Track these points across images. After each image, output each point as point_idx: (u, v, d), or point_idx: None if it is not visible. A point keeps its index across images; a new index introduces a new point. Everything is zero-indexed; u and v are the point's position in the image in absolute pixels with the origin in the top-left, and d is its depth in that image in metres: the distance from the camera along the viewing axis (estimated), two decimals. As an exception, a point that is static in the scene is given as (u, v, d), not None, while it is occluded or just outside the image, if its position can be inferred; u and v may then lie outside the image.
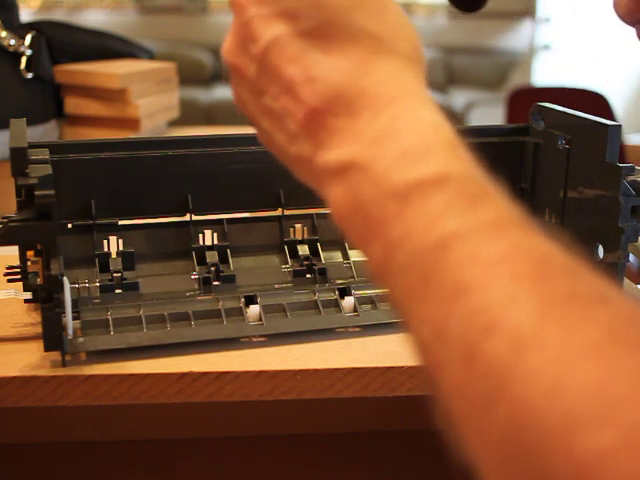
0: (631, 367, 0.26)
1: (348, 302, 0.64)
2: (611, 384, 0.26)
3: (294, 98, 0.38)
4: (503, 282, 0.30)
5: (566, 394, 0.26)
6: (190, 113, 2.92)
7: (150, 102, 1.16)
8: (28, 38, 1.07)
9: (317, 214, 0.70)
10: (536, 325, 0.28)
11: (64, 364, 0.55)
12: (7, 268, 0.62)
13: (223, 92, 4.23)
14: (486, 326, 0.29)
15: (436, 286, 0.32)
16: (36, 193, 0.53)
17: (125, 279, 0.64)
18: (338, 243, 0.70)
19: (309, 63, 0.37)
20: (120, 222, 0.67)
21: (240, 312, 0.62)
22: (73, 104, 1.13)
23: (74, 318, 0.58)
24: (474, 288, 0.30)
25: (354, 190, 0.35)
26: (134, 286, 0.64)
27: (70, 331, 0.57)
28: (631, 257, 0.66)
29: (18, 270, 0.61)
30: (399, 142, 0.35)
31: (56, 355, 0.55)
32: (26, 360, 0.56)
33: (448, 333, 0.31)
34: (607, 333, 0.28)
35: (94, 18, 4.40)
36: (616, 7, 0.53)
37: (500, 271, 0.31)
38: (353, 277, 0.68)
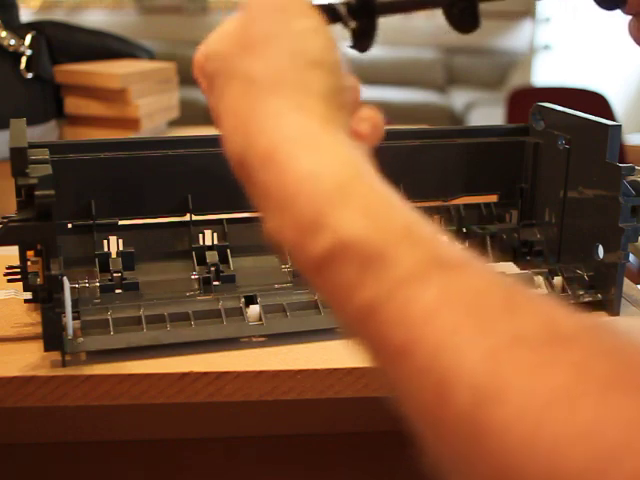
0: (610, 412, 0.24)
1: (348, 302, 0.64)
2: (595, 432, 0.24)
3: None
4: (443, 334, 0.28)
5: (545, 447, 0.25)
6: (190, 113, 2.92)
7: (150, 102, 1.16)
8: (28, 38, 1.07)
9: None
10: (490, 372, 0.27)
11: (64, 364, 0.55)
12: (7, 268, 0.62)
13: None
14: (439, 382, 0.28)
15: (380, 352, 0.31)
16: (36, 193, 0.53)
17: (125, 279, 0.64)
18: (338, 243, 0.70)
19: (223, 130, 0.37)
20: (120, 222, 0.67)
21: (240, 312, 0.62)
22: (73, 104, 1.13)
23: (74, 318, 0.58)
24: (415, 346, 0.29)
25: (292, 256, 0.34)
26: (134, 286, 0.64)
27: (70, 331, 0.57)
28: (631, 257, 0.66)
29: (18, 270, 0.61)
30: (291, 215, 0.33)
31: (56, 355, 0.55)
32: (26, 360, 0.56)
33: (406, 395, 0.30)
34: (571, 375, 0.26)
35: (94, 18, 4.40)
36: (630, 32, 0.53)
37: (436, 323, 0.29)
38: (353, 277, 0.68)
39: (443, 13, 0.46)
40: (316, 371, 0.57)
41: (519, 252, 0.74)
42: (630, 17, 0.54)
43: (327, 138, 0.34)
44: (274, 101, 0.35)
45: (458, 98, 4.24)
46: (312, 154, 0.33)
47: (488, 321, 0.28)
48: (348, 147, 0.34)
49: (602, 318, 0.66)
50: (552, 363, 0.26)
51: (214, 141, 0.68)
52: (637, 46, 0.54)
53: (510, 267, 0.70)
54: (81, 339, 0.57)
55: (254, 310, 0.62)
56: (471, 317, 0.28)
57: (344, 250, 0.31)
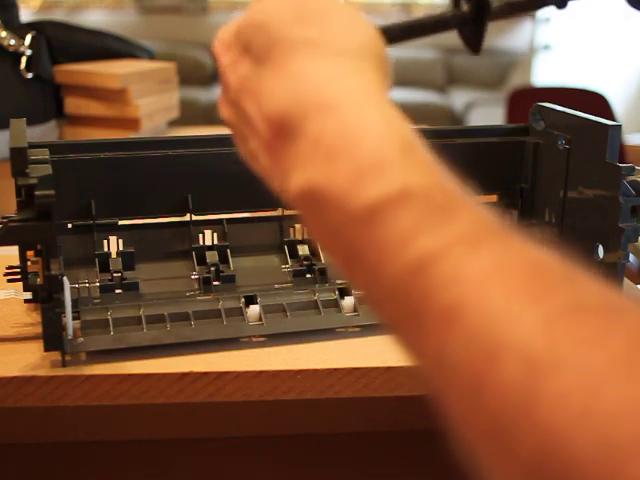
0: None
1: (348, 302, 0.64)
2: None
3: (256, 136, 0.38)
4: (498, 299, 0.27)
5: (600, 419, 0.24)
6: (190, 113, 2.92)
7: (150, 102, 1.16)
8: (28, 38, 1.07)
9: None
10: (547, 343, 0.26)
11: (64, 364, 0.55)
12: (7, 268, 0.62)
13: (223, 92, 4.23)
14: (489, 350, 0.27)
15: (423, 313, 0.29)
16: (36, 193, 0.53)
17: (125, 279, 0.64)
18: (338, 243, 0.70)
19: (259, 94, 0.37)
20: (120, 222, 0.67)
21: (240, 312, 0.62)
22: (73, 104, 1.13)
23: (74, 318, 0.58)
24: (466, 310, 0.28)
25: (321, 218, 0.33)
26: (134, 286, 0.64)
27: (70, 331, 0.57)
28: (631, 257, 0.66)
29: (18, 270, 0.61)
30: (350, 158, 0.32)
31: (56, 355, 0.55)
32: (26, 360, 0.56)
33: (447, 362, 0.28)
34: (627, 346, 0.25)
35: (94, 18, 4.40)
36: None
37: (491, 287, 0.28)
38: (353, 277, 0.68)
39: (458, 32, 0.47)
40: (316, 371, 0.57)
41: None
42: None
43: (386, 99, 0.35)
44: (335, 63, 0.36)
45: (458, 98, 4.24)
46: (378, 110, 0.34)
47: (545, 289, 0.27)
48: (399, 111, 0.35)
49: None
50: (608, 333, 0.26)
51: (214, 141, 0.68)
52: None
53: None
54: (81, 339, 0.57)
55: (254, 310, 0.62)
56: (528, 284, 0.28)
57: (406, 196, 0.31)
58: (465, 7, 0.43)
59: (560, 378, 0.25)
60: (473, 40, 0.44)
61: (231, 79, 0.40)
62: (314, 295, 0.64)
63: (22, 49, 1.06)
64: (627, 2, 0.51)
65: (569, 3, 0.49)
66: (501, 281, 0.28)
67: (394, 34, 0.43)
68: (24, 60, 1.07)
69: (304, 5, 0.38)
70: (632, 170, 0.64)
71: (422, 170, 0.32)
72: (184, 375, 0.56)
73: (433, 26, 0.44)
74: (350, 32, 0.38)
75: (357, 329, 0.62)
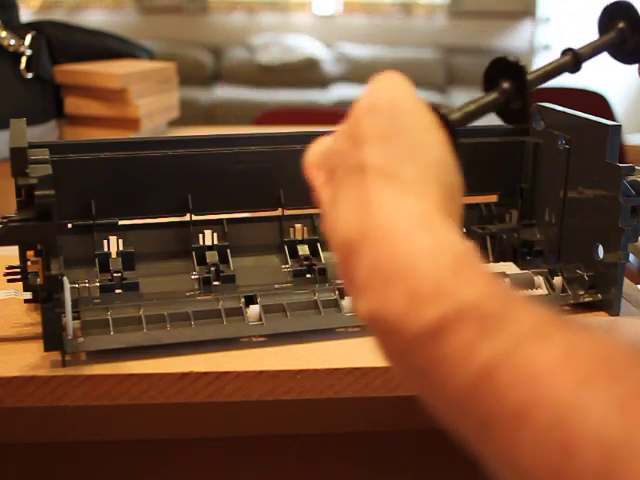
0: None
1: (348, 302, 0.64)
2: None
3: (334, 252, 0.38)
4: (567, 390, 0.27)
5: None
6: (190, 113, 2.92)
7: (150, 102, 1.16)
8: (28, 38, 1.07)
9: (317, 214, 0.70)
10: (622, 427, 0.26)
11: (64, 364, 0.55)
12: (7, 268, 0.62)
13: (223, 92, 4.23)
14: (564, 444, 0.26)
15: (494, 418, 0.29)
16: (36, 193, 0.53)
17: (125, 279, 0.64)
18: (338, 243, 0.70)
19: (334, 219, 0.38)
20: (120, 222, 0.67)
21: (240, 312, 0.62)
22: (73, 104, 1.13)
23: (74, 318, 0.58)
24: (536, 407, 0.28)
25: (387, 341, 0.35)
26: (134, 286, 0.64)
27: (70, 331, 0.57)
28: (631, 257, 0.66)
29: (18, 270, 0.61)
30: (404, 284, 0.33)
31: (56, 355, 0.55)
32: (26, 360, 0.56)
33: (522, 462, 0.28)
34: None
35: (94, 18, 4.40)
36: None
37: (560, 379, 0.28)
38: (353, 277, 0.68)
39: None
40: (316, 371, 0.57)
41: (519, 252, 0.74)
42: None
43: (440, 220, 0.36)
44: (393, 187, 0.36)
45: (458, 98, 4.23)
46: (429, 232, 0.35)
47: (615, 375, 0.28)
48: (456, 229, 0.36)
49: None
50: None
51: (214, 141, 0.68)
52: None
53: (510, 267, 0.70)
54: (81, 339, 0.57)
55: (254, 310, 0.62)
56: (597, 371, 0.28)
57: (463, 312, 0.31)
58: (505, 85, 0.44)
59: (637, 461, 0.25)
60: (520, 113, 0.44)
61: (321, 200, 0.41)
62: (314, 295, 0.64)
63: (22, 49, 1.06)
64: (615, 58, 0.52)
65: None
66: (569, 371, 0.28)
67: (458, 124, 0.43)
68: (24, 60, 1.07)
69: (371, 127, 0.39)
70: (632, 170, 0.64)
71: (475, 283, 0.33)
72: (184, 375, 0.56)
73: (491, 109, 0.44)
74: (421, 154, 0.38)
75: (357, 329, 0.62)
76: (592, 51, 0.50)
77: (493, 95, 0.44)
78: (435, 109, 0.40)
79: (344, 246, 0.37)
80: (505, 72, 0.44)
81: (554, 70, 0.48)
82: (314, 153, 0.44)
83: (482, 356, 0.30)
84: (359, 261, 0.36)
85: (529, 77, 0.45)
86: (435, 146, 0.39)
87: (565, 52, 0.50)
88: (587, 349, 0.29)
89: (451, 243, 0.34)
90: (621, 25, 0.51)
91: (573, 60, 0.50)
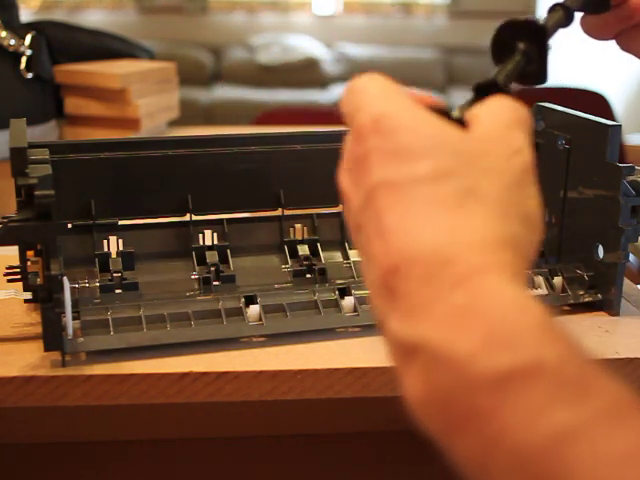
0: None
1: (348, 302, 0.64)
2: None
3: (383, 247, 0.34)
4: None
5: None
6: (190, 113, 2.93)
7: (150, 102, 1.16)
8: (28, 38, 1.07)
9: (317, 214, 0.70)
10: None
11: (64, 364, 0.55)
12: (7, 268, 0.62)
13: (223, 92, 4.23)
14: None
15: None
16: (36, 193, 0.53)
17: (125, 279, 0.64)
18: (338, 243, 0.70)
19: (407, 217, 0.34)
20: (120, 222, 0.67)
21: (240, 312, 0.62)
22: (73, 104, 1.13)
23: (74, 318, 0.58)
24: None
25: (430, 377, 0.31)
26: (134, 286, 0.64)
27: (70, 331, 0.56)
28: (631, 257, 0.66)
29: (18, 270, 0.61)
30: (482, 323, 0.31)
31: (56, 355, 0.55)
32: (26, 360, 0.56)
33: None
34: None
35: (94, 18, 4.40)
36: (582, 27, 0.54)
37: (635, 469, 0.26)
38: (353, 277, 0.68)
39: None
40: (316, 371, 0.57)
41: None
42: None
43: (516, 286, 0.33)
44: (483, 230, 0.33)
45: (458, 98, 4.24)
46: (510, 279, 0.32)
47: None
48: (531, 296, 0.33)
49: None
50: None
51: (214, 141, 0.68)
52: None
53: (510, 267, 0.70)
54: (81, 339, 0.57)
55: (254, 310, 0.62)
56: None
57: (540, 369, 0.29)
58: (522, 46, 0.43)
59: None
60: (539, 74, 0.43)
61: (375, 169, 0.36)
62: (314, 295, 0.64)
63: (22, 49, 1.06)
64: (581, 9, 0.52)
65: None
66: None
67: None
68: (24, 60, 1.06)
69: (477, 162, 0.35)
70: (632, 170, 0.64)
71: (557, 344, 0.31)
72: (184, 375, 0.56)
73: (514, 75, 0.44)
74: (515, 201, 0.35)
75: (357, 329, 0.62)
76: (578, 3, 0.50)
77: (516, 58, 0.43)
78: (443, 112, 0.39)
79: (413, 257, 0.33)
80: (520, 34, 0.43)
81: (552, 29, 0.48)
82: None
83: (555, 422, 0.28)
84: (411, 285, 0.32)
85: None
86: (531, 198, 0.36)
87: (554, 7, 0.50)
88: None
89: (535, 304, 0.32)
90: None
91: (565, 14, 0.49)
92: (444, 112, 0.39)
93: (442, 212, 0.34)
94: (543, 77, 0.43)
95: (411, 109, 0.37)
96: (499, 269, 0.32)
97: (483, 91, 0.41)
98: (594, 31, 0.58)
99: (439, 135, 0.36)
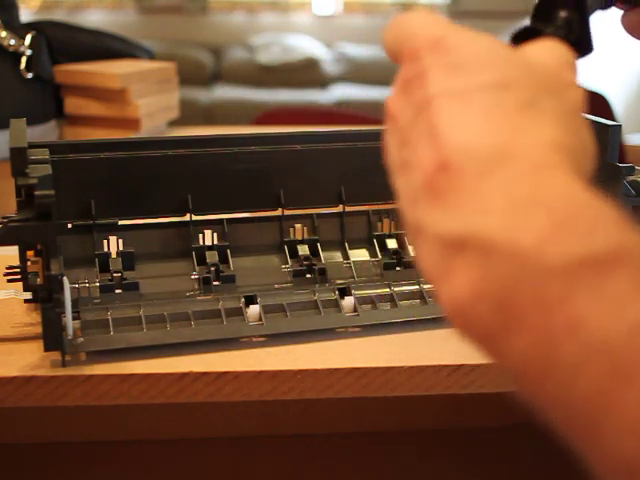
0: None
1: (348, 302, 0.64)
2: None
3: (433, 147, 0.32)
4: None
5: None
6: (190, 113, 2.93)
7: (150, 102, 1.16)
8: (28, 38, 1.07)
9: (317, 214, 0.70)
10: None
11: (64, 364, 0.55)
12: (7, 268, 0.62)
13: (223, 92, 4.23)
14: None
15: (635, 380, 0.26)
16: (36, 193, 0.53)
17: (125, 279, 0.64)
18: (338, 243, 0.70)
19: (465, 119, 0.32)
20: (120, 222, 0.67)
21: (240, 312, 0.62)
22: (73, 104, 1.13)
23: (74, 318, 0.58)
24: None
25: (485, 271, 0.29)
26: (134, 286, 0.64)
27: (70, 331, 0.56)
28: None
29: (18, 270, 0.61)
30: (550, 211, 0.28)
31: (56, 355, 0.55)
32: (26, 360, 0.56)
33: None
34: None
35: (94, 18, 4.40)
36: (623, 25, 0.53)
37: None
38: (353, 277, 0.68)
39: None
40: (316, 371, 0.57)
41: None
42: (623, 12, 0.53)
43: (585, 184, 0.31)
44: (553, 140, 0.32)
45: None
46: (578, 180, 0.31)
47: None
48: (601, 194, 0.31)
49: None
50: None
51: (214, 141, 0.68)
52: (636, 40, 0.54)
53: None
54: (81, 339, 0.57)
55: (254, 310, 0.62)
56: None
57: (622, 257, 0.28)
58: (562, 14, 0.42)
59: None
60: (581, 41, 0.42)
61: (433, 83, 0.34)
62: (314, 295, 0.64)
63: (22, 49, 1.06)
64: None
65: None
66: None
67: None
68: (24, 60, 1.07)
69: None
70: (632, 170, 0.64)
71: (636, 234, 0.28)
72: (184, 375, 0.56)
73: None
74: (576, 123, 0.35)
75: (357, 329, 0.62)
76: None
77: (557, 24, 0.42)
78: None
79: (468, 151, 0.31)
80: (561, 3, 0.42)
81: (592, 5, 0.46)
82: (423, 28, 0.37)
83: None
84: (484, 176, 0.30)
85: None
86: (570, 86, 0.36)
87: None
88: None
89: (607, 202, 0.30)
90: None
91: None
92: None
93: (504, 115, 0.32)
94: (587, 47, 0.42)
95: (468, 31, 0.36)
96: (565, 168, 0.30)
97: (523, 37, 0.40)
98: (636, 30, 0.56)
99: (501, 50, 0.35)
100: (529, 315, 0.28)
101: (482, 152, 0.31)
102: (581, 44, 0.42)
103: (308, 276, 0.68)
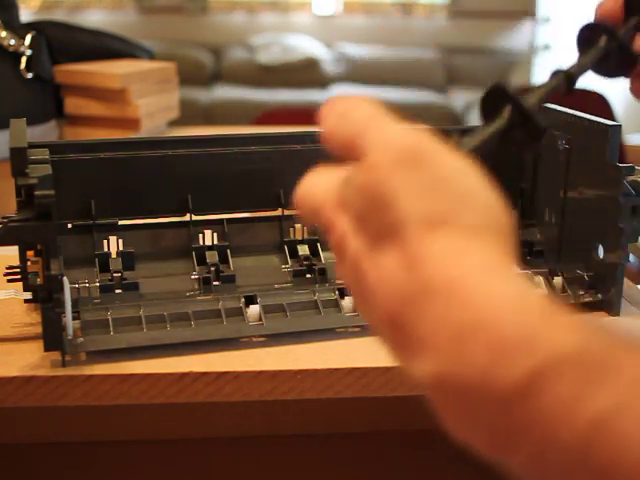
0: None
1: (348, 302, 0.64)
2: None
3: (375, 313, 0.34)
4: None
5: None
6: (190, 113, 2.92)
7: (150, 102, 1.16)
8: (28, 38, 1.07)
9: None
10: None
11: (64, 364, 0.55)
12: (7, 268, 0.62)
13: (223, 92, 4.23)
14: None
15: (616, 470, 0.27)
16: (36, 193, 0.53)
17: (125, 279, 0.64)
18: (338, 243, 0.70)
19: (377, 277, 0.33)
20: (120, 222, 0.67)
21: (240, 312, 0.62)
22: (73, 104, 1.13)
23: (74, 318, 0.58)
24: None
25: (459, 405, 0.31)
26: (134, 286, 0.64)
27: (70, 331, 0.57)
28: (631, 257, 0.66)
29: (18, 270, 0.61)
30: (487, 334, 0.30)
31: (56, 355, 0.55)
32: (26, 360, 0.56)
33: None
34: None
35: (94, 18, 4.40)
36: (632, 91, 0.53)
37: None
38: (353, 277, 0.68)
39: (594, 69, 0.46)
40: (316, 371, 0.57)
41: (519, 252, 0.73)
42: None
43: (509, 267, 0.33)
44: (450, 235, 0.33)
45: (458, 98, 4.24)
46: (506, 279, 0.32)
47: None
48: (526, 286, 0.32)
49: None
50: None
51: (214, 141, 0.68)
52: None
53: (510, 267, 0.70)
54: (81, 339, 0.57)
55: (254, 310, 0.62)
56: None
57: (560, 363, 0.29)
58: (508, 114, 0.42)
59: None
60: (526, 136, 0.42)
61: (345, 249, 0.35)
62: (314, 295, 0.64)
63: (22, 49, 1.06)
64: (597, 73, 0.51)
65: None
66: None
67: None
68: (24, 60, 1.07)
69: (426, 176, 0.33)
70: (632, 170, 0.64)
71: (570, 330, 0.30)
72: (184, 375, 0.56)
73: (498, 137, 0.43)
74: (467, 201, 0.34)
75: (357, 329, 0.62)
76: (582, 69, 0.50)
77: (500, 122, 0.42)
78: (446, 135, 0.37)
79: (393, 306, 0.33)
80: (503, 102, 0.43)
81: (548, 94, 0.47)
82: (327, 191, 0.36)
83: (593, 406, 0.28)
84: (420, 318, 0.32)
85: (525, 103, 0.43)
86: (484, 188, 0.34)
87: (556, 73, 0.49)
88: None
89: (531, 290, 0.31)
90: (603, 41, 0.51)
91: (566, 81, 0.49)
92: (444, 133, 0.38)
93: (394, 252, 0.33)
94: (534, 139, 0.43)
95: (431, 140, 0.35)
96: (482, 270, 0.32)
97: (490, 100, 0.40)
98: None
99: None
100: (512, 440, 0.30)
101: (409, 296, 0.32)
102: (528, 139, 0.43)
103: (308, 276, 0.68)
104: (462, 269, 0.32)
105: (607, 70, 0.51)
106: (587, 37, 0.51)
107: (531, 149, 0.43)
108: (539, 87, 0.46)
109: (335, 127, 0.36)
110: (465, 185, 0.34)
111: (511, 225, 0.35)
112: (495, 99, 0.42)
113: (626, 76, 0.51)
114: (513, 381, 0.29)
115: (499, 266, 0.32)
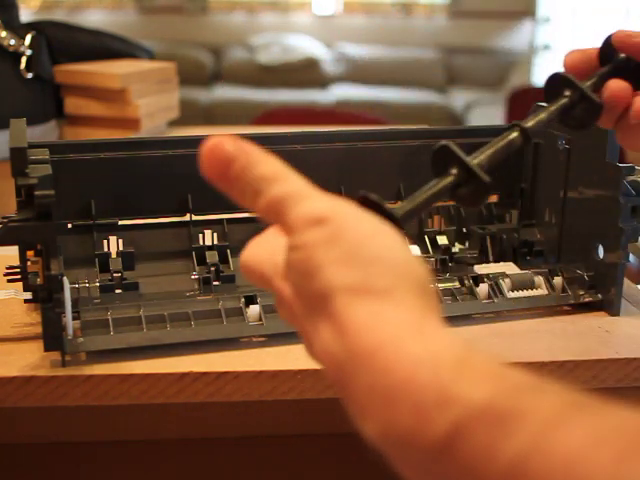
0: None
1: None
2: None
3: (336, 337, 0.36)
4: (606, 469, 0.27)
5: None
6: (190, 113, 2.92)
7: (150, 102, 1.16)
8: (28, 38, 1.07)
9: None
10: None
11: (64, 364, 0.55)
12: (7, 268, 0.62)
13: (223, 92, 4.23)
14: None
15: None
16: (36, 193, 0.53)
17: (125, 279, 0.64)
18: (338, 243, 0.70)
19: (312, 344, 0.37)
20: (120, 222, 0.67)
21: (240, 312, 0.62)
22: (73, 104, 1.13)
23: (74, 318, 0.58)
24: None
25: (402, 457, 0.34)
26: (134, 286, 0.64)
27: (70, 331, 0.57)
28: (631, 257, 0.66)
29: (18, 270, 0.61)
30: (406, 398, 0.33)
31: (56, 355, 0.55)
32: (26, 360, 0.56)
33: None
34: None
35: (94, 18, 4.40)
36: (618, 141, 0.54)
37: (596, 458, 0.28)
38: (353, 277, 0.68)
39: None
40: (316, 371, 0.57)
41: (519, 252, 0.74)
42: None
43: (427, 322, 0.35)
44: (368, 302, 0.35)
45: (458, 98, 4.24)
46: (419, 339, 0.34)
47: None
48: (448, 329, 0.35)
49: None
50: None
51: (214, 141, 0.68)
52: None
53: (510, 267, 0.70)
54: (81, 339, 0.57)
55: (254, 310, 0.62)
56: (631, 446, 0.27)
57: (475, 417, 0.31)
58: (454, 171, 0.43)
59: None
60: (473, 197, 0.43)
61: (294, 315, 0.40)
62: (314, 295, 0.64)
63: (22, 49, 1.06)
64: (563, 124, 0.52)
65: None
66: (604, 450, 0.28)
67: (403, 220, 0.42)
68: (24, 60, 1.07)
69: (343, 246, 0.36)
70: (632, 170, 0.64)
71: (481, 382, 0.32)
72: (184, 375, 0.56)
73: (442, 195, 0.43)
74: (383, 260, 0.36)
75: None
76: (538, 123, 0.50)
77: (446, 180, 0.43)
78: (374, 204, 0.39)
79: (334, 373, 0.36)
80: (451, 160, 0.43)
81: (503, 149, 0.48)
82: (273, 265, 0.42)
83: (508, 452, 0.30)
84: (354, 385, 0.35)
85: (475, 161, 0.44)
86: (394, 248, 0.36)
87: (512, 127, 0.49)
88: (614, 425, 0.29)
89: (446, 345, 0.33)
90: (567, 94, 0.51)
91: (522, 136, 0.49)
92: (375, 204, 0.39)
93: (322, 323, 0.36)
94: (479, 196, 0.43)
95: (344, 208, 0.37)
96: (398, 335, 0.34)
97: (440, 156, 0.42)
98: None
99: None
100: None
101: (339, 365, 0.36)
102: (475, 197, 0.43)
103: (308, 276, 0.68)
104: (380, 335, 0.34)
105: (574, 121, 0.52)
106: (553, 88, 0.52)
107: (475, 206, 0.44)
108: (491, 144, 0.47)
109: (235, 176, 0.43)
110: (374, 249, 0.36)
111: (427, 275, 0.37)
112: (444, 157, 0.43)
113: (592, 127, 0.52)
114: (436, 436, 0.31)
115: (413, 325, 0.34)
